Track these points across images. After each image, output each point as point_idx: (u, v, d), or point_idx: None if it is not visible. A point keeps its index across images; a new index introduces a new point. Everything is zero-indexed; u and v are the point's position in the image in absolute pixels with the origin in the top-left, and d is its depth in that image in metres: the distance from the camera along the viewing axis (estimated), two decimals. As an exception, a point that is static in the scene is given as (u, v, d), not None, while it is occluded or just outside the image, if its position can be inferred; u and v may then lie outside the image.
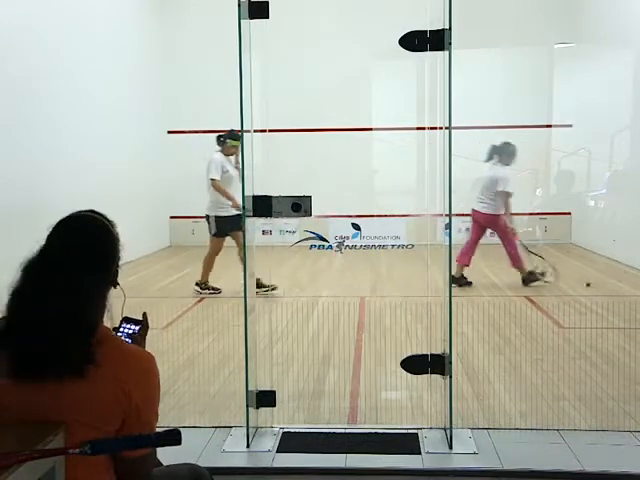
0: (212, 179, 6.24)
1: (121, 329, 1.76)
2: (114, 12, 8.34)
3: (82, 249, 1.51)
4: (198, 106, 9.46)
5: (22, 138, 6.10)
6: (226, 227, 6.28)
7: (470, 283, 6.61)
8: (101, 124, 7.74)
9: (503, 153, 6.62)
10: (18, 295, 1.43)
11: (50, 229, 1.54)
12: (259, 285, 5.84)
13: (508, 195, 6.53)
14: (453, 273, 6.56)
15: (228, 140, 6.30)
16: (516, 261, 6.62)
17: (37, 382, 1.40)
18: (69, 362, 1.39)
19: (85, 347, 1.40)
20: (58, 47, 6.79)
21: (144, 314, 1.79)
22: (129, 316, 1.78)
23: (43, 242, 1.52)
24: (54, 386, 1.41)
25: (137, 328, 1.76)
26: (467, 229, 10.00)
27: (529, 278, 6.56)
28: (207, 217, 6.42)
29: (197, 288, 6.38)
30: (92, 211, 1.62)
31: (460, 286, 6.46)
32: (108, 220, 1.62)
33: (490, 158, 6.68)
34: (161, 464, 1.74)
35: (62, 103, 6.85)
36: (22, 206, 5.73)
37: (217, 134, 6.45)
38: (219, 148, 6.40)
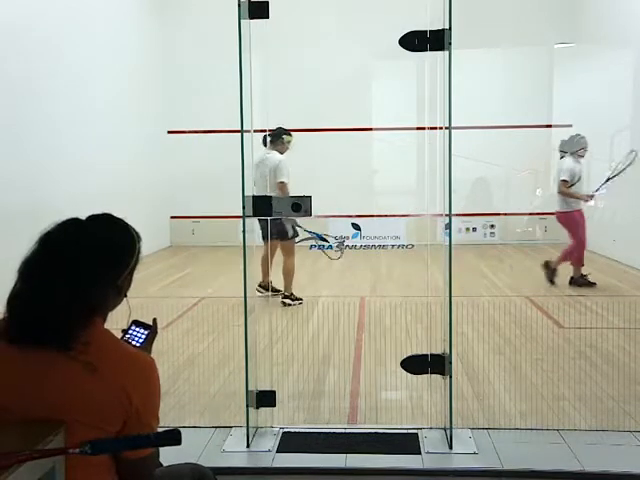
0: (283, 182, 5.64)
1: (130, 332, 1.76)
2: (114, 12, 8.34)
3: (97, 248, 1.53)
4: (198, 106, 9.47)
5: (22, 138, 6.10)
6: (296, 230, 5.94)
7: (594, 284, 6.41)
8: (101, 124, 7.75)
9: (569, 144, 6.49)
10: (27, 266, 1.49)
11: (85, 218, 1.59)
12: (273, 289, 5.86)
13: (564, 183, 6.37)
14: (572, 275, 6.42)
15: (284, 136, 5.88)
16: (577, 260, 6.43)
17: (25, 349, 1.42)
18: (56, 332, 1.42)
19: (72, 324, 1.43)
20: (58, 47, 6.79)
21: (154, 320, 1.80)
22: (139, 320, 1.77)
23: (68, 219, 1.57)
24: (54, 384, 1.42)
25: (146, 332, 1.76)
26: (467, 229, 10.08)
27: (579, 280, 6.42)
28: (280, 222, 5.73)
29: (287, 301, 5.88)
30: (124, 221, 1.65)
31: (580, 286, 6.35)
32: (136, 233, 1.63)
33: (563, 154, 6.53)
34: (161, 464, 1.74)
35: (62, 103, 6.86)
36: (22, 206, 5.73)
37: (265, 134, 5.66)
38: (271, 147, 5.81)
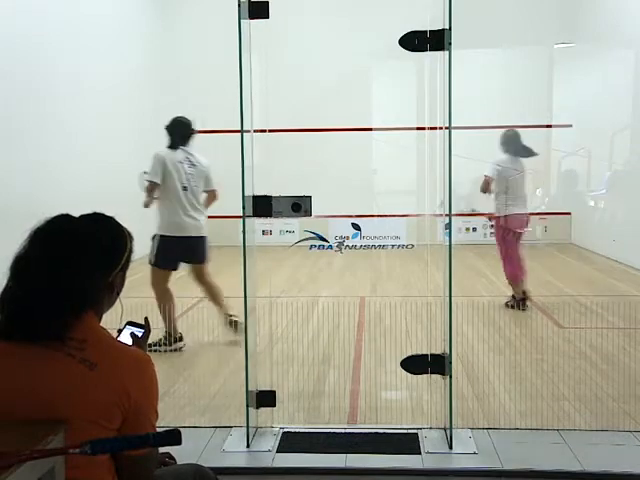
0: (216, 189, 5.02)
1: (125, 330, 1.77)
2: (115, 12, 8.34)
3: (88, 244, 1.54)
4: (198, 106, 9.45)
5: (22, 138, 6.10)
6: None
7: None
8: (101, 124, 7.74)
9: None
10: (18, 262, 1.51)
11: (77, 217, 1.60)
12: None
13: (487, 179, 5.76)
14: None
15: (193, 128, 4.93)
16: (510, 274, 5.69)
17: (21, 346, 1.44)
18: (46, 325, 1.43)
19: (63, 317, 1.45)
20: (58, 47, 6.78)
21: (146, 319, 1.81)
22: (133, 320, 1.79)
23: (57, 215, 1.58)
24: (54, 383, 1.42)
25: (141, 331, 1.78)
26: (467, 229, 10.07)
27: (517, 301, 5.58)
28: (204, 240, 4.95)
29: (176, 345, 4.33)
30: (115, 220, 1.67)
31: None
32: (127, 232, 1.65)
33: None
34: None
35: (62, 103, 6.85)
36: (21, 206, 5.72)
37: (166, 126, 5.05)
38: (185, 144, 4.97)
